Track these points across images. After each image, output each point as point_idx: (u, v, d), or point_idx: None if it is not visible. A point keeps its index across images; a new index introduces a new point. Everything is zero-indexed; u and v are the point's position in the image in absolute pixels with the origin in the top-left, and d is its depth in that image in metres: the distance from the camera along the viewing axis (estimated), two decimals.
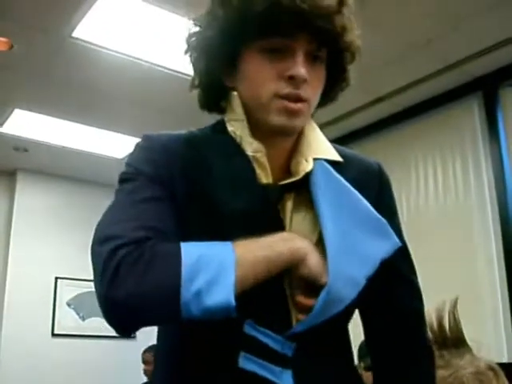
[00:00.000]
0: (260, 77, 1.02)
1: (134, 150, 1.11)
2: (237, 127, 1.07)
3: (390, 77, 4.11)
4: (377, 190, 1.15)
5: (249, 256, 0.92)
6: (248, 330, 0.98)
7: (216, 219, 0.98)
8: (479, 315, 3.75)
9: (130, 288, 0.87)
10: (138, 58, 3.90)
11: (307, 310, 0.98)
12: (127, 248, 0.90)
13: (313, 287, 0.98)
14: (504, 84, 4.05)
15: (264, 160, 1.04)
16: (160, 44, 3.75)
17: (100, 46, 3.77)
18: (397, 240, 1.06)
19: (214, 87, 1.11)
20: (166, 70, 3.98)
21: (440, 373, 1.20)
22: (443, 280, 3.94)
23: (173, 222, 0.98)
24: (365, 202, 1.06)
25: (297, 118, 1.03)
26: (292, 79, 1.00)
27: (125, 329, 0.92)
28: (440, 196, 4.28)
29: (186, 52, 1.11)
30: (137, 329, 0.92)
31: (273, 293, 1.00)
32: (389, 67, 3.97)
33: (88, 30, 3.60)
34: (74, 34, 3.63)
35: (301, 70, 0.99)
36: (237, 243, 0.92)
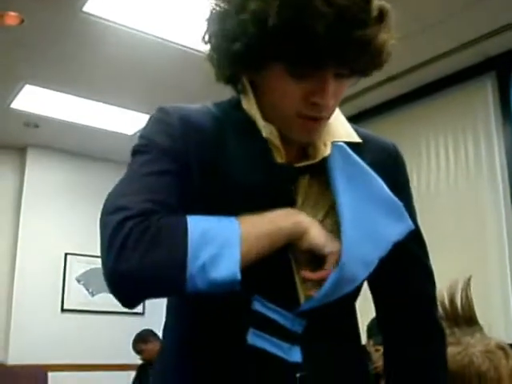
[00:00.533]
0: (284, 94, 0.97)
1: (149, 121, 1.07)
2: (250, 109, 1.05)
3: (403, 55, 4.06)
4: (393, 171, 1.14)
5: (253, 231, 0.92)
6: (257, 306, 0.99)
7: (229, 194, 0.98)
8: (489, 296, 3.74)
9: (136, 261, 0.86)
10: (149, 34, 3.87)
11: (314, 284, 0.98)
12: (134, 220, 0.89)
13: (318, 261, 0.98)
14: None
15: (277, 142, 1.03)
16: (171, 20, 3.72)
17: (111, 21, 3.75)
18: (410, 223, 1.06)
19: (232, 76, 1.07)
20: (177, 46, 3.95)
21: (450, 349, 1.20)
22: (454, 261, 3.94)
23: (182, 195, 0.97)
24: (381, 183, 1.06)
25: (317, 132, 1.02)
26: (316, 105, 0.96)
27: (130, 301, 0.91)
28: (451, 176, 4.26)
29: (203, 38, 1.04)
30: (141, 301, 0.92)
31: (280, 270, 1.00)
32: (401, 45, 3.88)
33: (99, 4, 3.58)
34: (85, 9, 3.60)
35: (328, 100, 0.96)
36: (241, 218, 0.92)
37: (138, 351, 5.08)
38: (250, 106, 1.05)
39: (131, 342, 5.13)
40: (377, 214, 1.03)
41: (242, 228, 0.91)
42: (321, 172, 1.05)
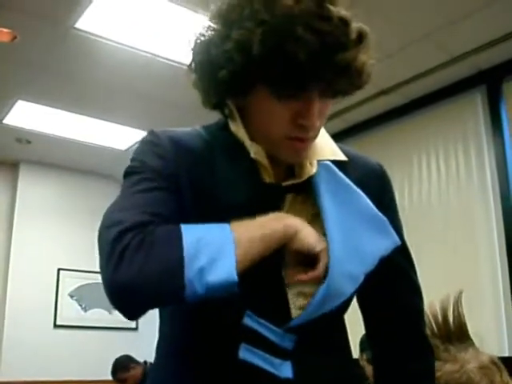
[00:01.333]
0: (271, 117, 1.00)
1: (140, 144, 1.09)
2: (237, 132, 1.07)
3: (394, 69, 4.10)
4: (379, 190, 1.15)
5: (245, 235, 0.92)
6: (248, 321, 0.99)
7: (218, 214, 0.98)
8: (480, 309, 3.74)
9: (134, 272, 0.87)
10: (141, 50, 3.89)
11: (306, 294, 1.00)
12: (130, 232, 0.90)
13: (308, 263, 0.98)
14: (508, 78, 4.04)
15: (265, 161, 1.05)
16: (163, 36, 3.74)
17: (103, 38, 3.76)
18: (396, 238, 1.07)
19: (218, 103, 1.09)
20: (168, 62, 3.97)
21: (448, 367, 1.20)
22: (444, 272, 3.95)
23: (175, 210, 0.98)
24: (366, 200, 1.07)
25: (304, 152, 1.04)
26: (302, 126, 0.98)
27: (132, 313, 0.92)
28: (442, 187, 4.28)
29: (190, 65, 1.06)
30: (143, 311, 0.92)
31: (272, 285, 1.01)
32: (393, 60, 3.96)
33: (91, 21, 3.59)
34: (77, 25, 3.62)
35: (314, 122, 0.99)
36: (233, 224, 0.93)
37: (121, 380, 4.89)
38: (237, 129, 1.07)
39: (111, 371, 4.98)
40: (363, 230, 1.04)
41: (235, 233, 0.91)
42: (307, 189, 1.07)
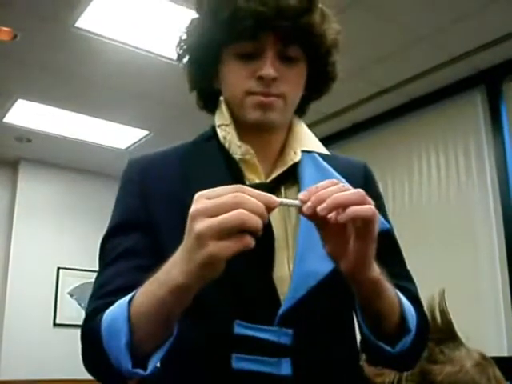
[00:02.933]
0: (234, 77, 1.09)
1: (119, 186, 1.16)
2: (227, 131, 1.11)
3: (395, 69, 4.10)
4: (362, 181, 1.15)
5: (141, 309, 0.87)
6: (238, 329, 0.98)
7: None
8: (480, 309, 3.75)
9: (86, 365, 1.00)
10: (141, 49, 3.89)
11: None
12: (85, 324, 1.00)
13: None
14: (508, 78, 4.04)
15: (254, 161, 1.08)
16: (164, 35, 3.74)
17: (103, 37, 3.76)
18: (384, 223, 1.07)
19: (204, 90, 1.19)
20: (169, 61, 3.96)
21: (448, 369, 1.21)
22: (444, 272, 3.95)
23: (147, 251, 1.03)
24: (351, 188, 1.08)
25: (271, 111, 1.06)
26: (261, 79, 1.05)
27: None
28: (443, 187, 4.29)
29: (178, 59, 1.19)
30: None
31: (262, 288, 1.01)
32: (393, 59, 3.96)
33: (91, 20, 3.60)
34: (78, 24, 3.62)
35: (269, 70, 1.04)
36: (137, 293, 0.88)
37: None
38: (226, 126, 1.12)
39: None
40: None
41: (132, 310, 0.88)
42: (295, 182, 1.10)
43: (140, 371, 0.87)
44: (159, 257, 0.94)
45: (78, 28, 3.66)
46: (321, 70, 1.14)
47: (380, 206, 1.13)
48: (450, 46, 3.84)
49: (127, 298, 0.89)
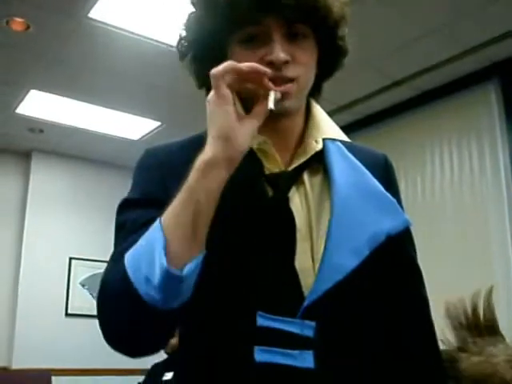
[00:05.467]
0: None
1: (135, 167, 1.13)
2: None
3: (408, 61, 4.07)
4: (384, 177, 1.13)
5: (171, 214, 0.90)
6: (261, 321, 0.97)
7: (221, 222, 0.95)
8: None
9: (104, 320, 0.96)
10: (154, 40, 3.89)
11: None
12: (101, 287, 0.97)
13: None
14: None
15: (272, 151, 1.05)
16: (177, 26, 3.73)
17: (116, 27, 3.77)
18: (407, 218, 1.06)
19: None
20: None
21: (473, 358, 1.20)
22: (457, 267, 3.94)
23: None
24: (375, 180, 1.07)
25: (286, 99, 1.01)
26: (272, 64, 0.98)
27: (131, 351, 0.98)
28: (455, 182, 4.26)
29: (180, 58, 1.13)
30: (144, 349, 0.97)
31: (285, 279, 0.99)
32: (406, 51, 3.94)
33: (104, 10, 3.59)
34: (90, 15, 3.62)
35: (278, 53, 0.99)
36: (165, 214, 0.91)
37: None
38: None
39: None
40: (370, 207, 1.03)
41: (163, 219, 0.90)
42: (318, 171, 1.08)
43: (176, 271, 0.85)
44: None
45: (91, 19, 3.66)
46: (330, 45, 1.09)
47: (400, 201, 1.14)
48: (463, 38, 3.81)
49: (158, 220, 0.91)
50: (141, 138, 5.65)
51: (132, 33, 3.82)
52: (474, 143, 4.20)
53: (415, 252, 1.17)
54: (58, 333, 5.77)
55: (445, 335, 1.27)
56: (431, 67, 4.15)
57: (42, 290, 5.80)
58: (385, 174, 1.16)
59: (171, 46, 3.93)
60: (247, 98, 0.98)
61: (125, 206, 1.06)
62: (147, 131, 5.51)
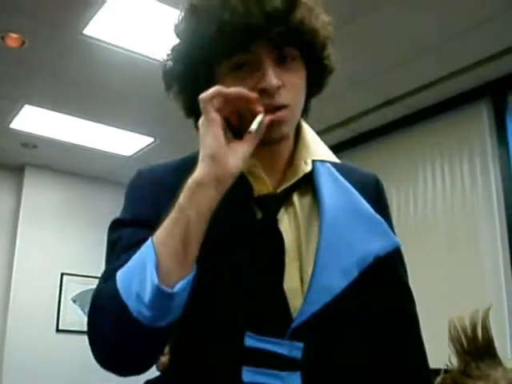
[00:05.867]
0: None
1: (127, 186, 1.13)
2: None
3: (401, 79, 4.11)
4: (374, 197, 1.13)
5: (163, 233, 0.91)
6: (250, 342, 0.97)
7: (210, 244, 0.95)
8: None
9: (95, 335, 0.95)
10: (148, 57, 3.91)
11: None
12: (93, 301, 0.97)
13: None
14: None
15: (260, 173, 1.05)
16: (170, 43, 3.75)
17: (111, 44, 3.78)
18: (396, 240, 1.06)
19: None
20: None
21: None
22: (449, 282, 3.94)
23: None
24: (364, 202, 1.07)
25: (282, 126, 1.01)
26: (265, 92, 0.98)
27: (121, 369, 0.97)
28: (447, 199, 4.28)
29: (167, 89, 1.14)
30: (133, 368, 0.96)
31: (273, 300, 0.99)
32: (399, 70, 3.97)
33: (99, 27, 3.62)
34: (85, 32, 3.64)
35: (271, 80, 0.97)
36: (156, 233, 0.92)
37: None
38: None
39: None
40: (359, 228, 1.03)
41: (155, 238, 0.91)
42: (308, 192, 1.08)
43: (167, 289, 0.86)
44: None
45: (86, 35, 3.68)
46: (318, 65, 1.08)
47: (390, 221, 1.14)
48: (455, 58, 3.84)
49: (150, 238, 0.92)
50: (134, 154, 5.65)
51: (126, 49, 3.84)
52: (465, 161, 4.23)
53: (405, 271, 1.17)
54: (49, 349, 5.73)
55: (449, 358, 1.27)
56: (424, 86, 4.18)
57: (33, 306, 5.76)
58: (375, 193, 1.16)
59: None
60: (243, 123, 0.98)
61: (117, 225, 1.06)
62: (140, 147, 5.51)
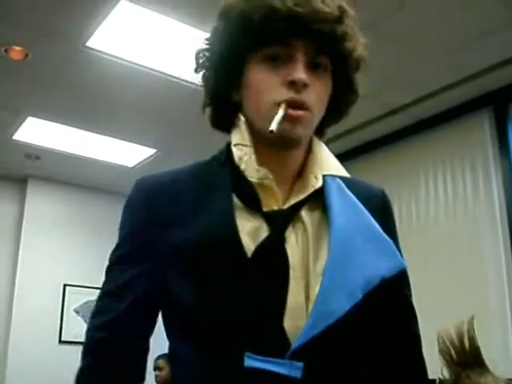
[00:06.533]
0: (261, 85, 1.03)
1: (123, 208, 1.13)
2: (244, 152, 1.05)
3: (403, 89, 4.11)
4: (380, 214, 1.12)
5: None
6: (249, 362, 0.95)
7: (213, 264, 0.97)
8: (488, 330, 3.71)
9: None
10: (151, 68, 3.92)
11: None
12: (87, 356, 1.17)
13: None
14: None
15: (272, 186, 1.03)
16: (172, 54, 3.78)
17: (113, 56, 3.80)
18: (402, 262, 1.05)
19: (223, 104, 1.11)
20: (177, 80, 4.00)
21: None
22: (451, 292, 3.93)
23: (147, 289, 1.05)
24: (372, 220, 1.06)
25: (298, 125, 1.01)
26: (293, 84, 0.99)
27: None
28: (450, 209, 4.28)
29: (195, 70, 1.11)
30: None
31: (274, 320, 0.97)
32: (402, 79, 3.98)
33: (102, 39, 3.63)
34: (88, 44, 3.66)
35: (301, 74, 0.99)
36: None
37: (157, 367, 4.95)
38: (241, 136, 1.07)
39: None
40: (367, 248, 1.01)
41: None
42: (316, 207, 1.06)
43: None
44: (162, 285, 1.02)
45: (88, 47, 3.69)
46: (345, 85, 1.10)
47: (396, 237, 1.13)
48: (458, 67, 3.85)
49: None
50: (136, 165, 5.67)
51: (128, 61, 3.85)
52: (467, 170, 4.23)
53: (410, 290, 1.16)
54: (52, 360, 5.71)
55: (442, 371, 1.27)
56: (427, 96, 4.19)
57: (36, 317, 5.75)
58: (382, 209, 1.15)
59: (168, 75, 3.97)
60: None
61: (111, 263, 1.09)
62: (142, 158, 5.52)
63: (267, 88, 1.01)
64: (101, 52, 3.75)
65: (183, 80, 3.97)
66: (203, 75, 1.11)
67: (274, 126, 0.96)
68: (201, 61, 1.10)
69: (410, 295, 1.16)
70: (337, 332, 0.97)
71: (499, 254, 3.90)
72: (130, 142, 5.18)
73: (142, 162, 5.58)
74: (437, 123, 4.48)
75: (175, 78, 3.98)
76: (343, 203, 1.06)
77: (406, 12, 3.29)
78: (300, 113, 1.00)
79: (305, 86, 0.99)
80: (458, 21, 3.37)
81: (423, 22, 3.38)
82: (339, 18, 1.01)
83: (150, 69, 3.93)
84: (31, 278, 5.85)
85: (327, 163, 1.10)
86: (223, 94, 1.09)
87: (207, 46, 1.09)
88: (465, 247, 4.09)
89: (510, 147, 4.01)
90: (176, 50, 3.71)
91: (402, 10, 3.27)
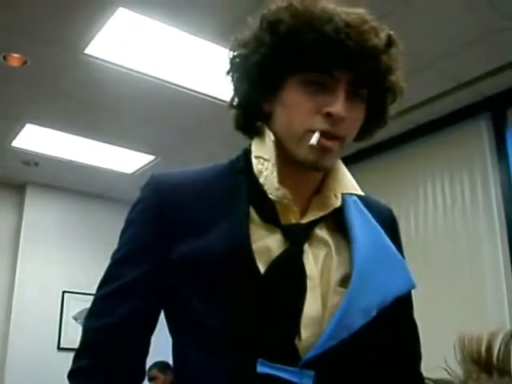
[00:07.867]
0: (298, 109, 1.00)
1: (134, 204, 1.10)
2: (265, 167, 1.05)
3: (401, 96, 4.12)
4: (391, 233, 1.14)
5: None
6: (261, 368, 0.95)
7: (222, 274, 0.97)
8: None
9: None
10: (149, 76, 3.93)
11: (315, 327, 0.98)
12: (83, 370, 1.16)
13: None
14: None
15: (291, 206, 1.04)
16: (172, 62, 3.79)
17: (112, 63, 3.81)
18: (413, 280, 1.06)
19: (251, 110, 1.10)
20: (176, 87, 4.00)
21: None
22: (450, 299, 3.93)
23: (136, 311, 1.04)
24: (388, 239, 1.08)
25: (328, 155, 1.01)
26: (330, 116, 0.98)
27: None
28: (448, 215, 4.27)
29: (228, 72, 1.09)
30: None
31: (289, 328, 0.98)
32: None
33: (100, 46, 3.64)
34: (87, 51, 3.67)
35: (341, 108, 0.97)
36: None
37: (151, 377, 4.95)
38: (264, 149, 1.06)
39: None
40: (385, 267, 1.03)
41: None
42: (334, 223, 1.08)
43: None
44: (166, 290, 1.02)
45: (87, 55, 3.70)
46: (379, 115, 1.10)
47: (403, 255, 1.14)
48: (455, 73, 3.86)
49: None
50: (135, 172, 5.67)
51: (127, 68, 3.86)
52: (466, 176, 4.23)
53: (412, 307, 1.18)
54: (51, 367, 5.69)
55: (449, 366, 1.26)
56: (423, 102, 4.20)
57: (35, 324, 5.74)
58: (392, 227, 1.17)
59: (166, 82, 3.98)
60: None
61: (113, 262, 1.08)
62: (141, 165, 5.53)
63: (302, 113, 1.00)
64: (99, 59, 3.76)
65: (182, 87, 3.98)
66: (235, 79, 1.09)
67: (313, 141, 0.97)
68: (235, 64, 1.08)
69: (412, 312, 1.18)
70: (348, 344, 0.97)
71: (498, 262, 3.89)
72: (128, 148, 5.18)
73: (141, 168, 5.58)
74: (434, 129, 4.47)
75: (174, 84, 3.99)
76: (362, 221, 1.08)
77: (401, 17, 3.30)
78: (332, 144, 1.00)
79: (342, 119, 0.98)
80: (454, 25, 3.38)
81: (419, 27, 3.38)
82: (386, 50, 1.01)
83: (148, 76, 3.93)
84: (30, 284, 5.84)
85: (345, 181, 1.11)
86: (254, 103, 1.08)
87: (244, 51, 1.05)
88: (464, 255, 4.07)
89: (509, 153, 4.00)
90: (174, 57, 3.72)
91: (397, 16, 3.28)
